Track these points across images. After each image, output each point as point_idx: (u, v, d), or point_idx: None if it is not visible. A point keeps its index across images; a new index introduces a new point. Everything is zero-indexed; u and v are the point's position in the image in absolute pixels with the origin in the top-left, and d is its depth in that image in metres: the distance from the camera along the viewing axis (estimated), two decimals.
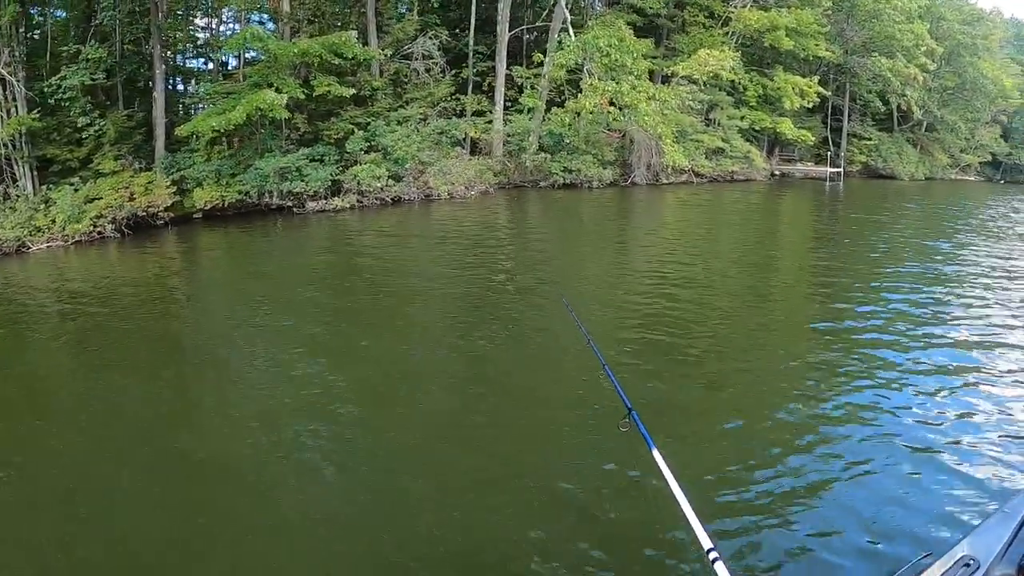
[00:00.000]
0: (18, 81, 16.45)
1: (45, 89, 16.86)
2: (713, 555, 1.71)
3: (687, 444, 5.40)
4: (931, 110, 41.64)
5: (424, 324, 9.04)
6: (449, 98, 24.24)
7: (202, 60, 26.21)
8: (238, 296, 10.92)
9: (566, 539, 4.25)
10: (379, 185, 20.24)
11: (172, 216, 17.57)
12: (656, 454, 2.30)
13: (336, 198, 19.96)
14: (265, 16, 25.02)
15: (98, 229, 15.81)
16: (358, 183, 20.13)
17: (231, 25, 28.02)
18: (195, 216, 18.46)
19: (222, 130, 18.64)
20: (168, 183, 17.97)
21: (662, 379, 6.84)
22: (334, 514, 4.59)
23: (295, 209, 19.47)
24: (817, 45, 32.52)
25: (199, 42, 25.76)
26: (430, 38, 23.89)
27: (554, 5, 25.02)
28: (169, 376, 7.25)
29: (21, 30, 17.38)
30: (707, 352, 7.74)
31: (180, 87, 25.45)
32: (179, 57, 25.45)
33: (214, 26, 26.53)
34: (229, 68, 25.14)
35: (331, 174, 19.96)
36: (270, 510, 4.65)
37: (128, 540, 4.37)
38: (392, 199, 20.67)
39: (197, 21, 26.37)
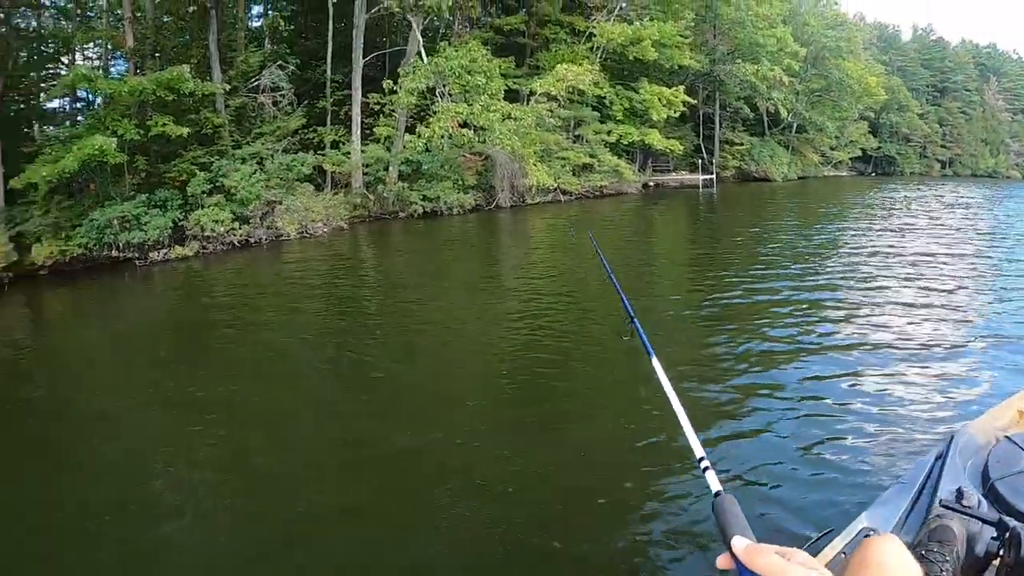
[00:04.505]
0: None
1: None
2: (704, 463, 1.64)
3: None
4: (800, 112, 43.51)
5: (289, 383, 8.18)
6: (305, 130, 23.49)
7: (68, 100, 24.69)
8: (80, 363, 9.71)
9: (567, 445, 4.78)
10: (222, 230, 19.28)
11: (12, 275, 16.22)
12: (655, 362, 2.15)
13: (179, 246, 18.91)
14: None
15: None
16: (201, 228, 19.15)
17: (95, 61, 26.64)
18: (41, 273, 17.09)
19: (55, 180, 17.46)
20: (5, 240, 16.63)
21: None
22: None
23: (137, 261, 18.34)
24: (682, 55, 33.35)
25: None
26: (278, 67, 23.10)
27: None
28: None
29: None
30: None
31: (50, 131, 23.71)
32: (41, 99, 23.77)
33: (80, 62, 25.13)
34: (96, 107, 23.61)
35: (173, 220, 18.87)
36: None
37: None
38: (240, 243, 19.71)
39: (63, 59, 24.85)
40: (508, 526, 4.21)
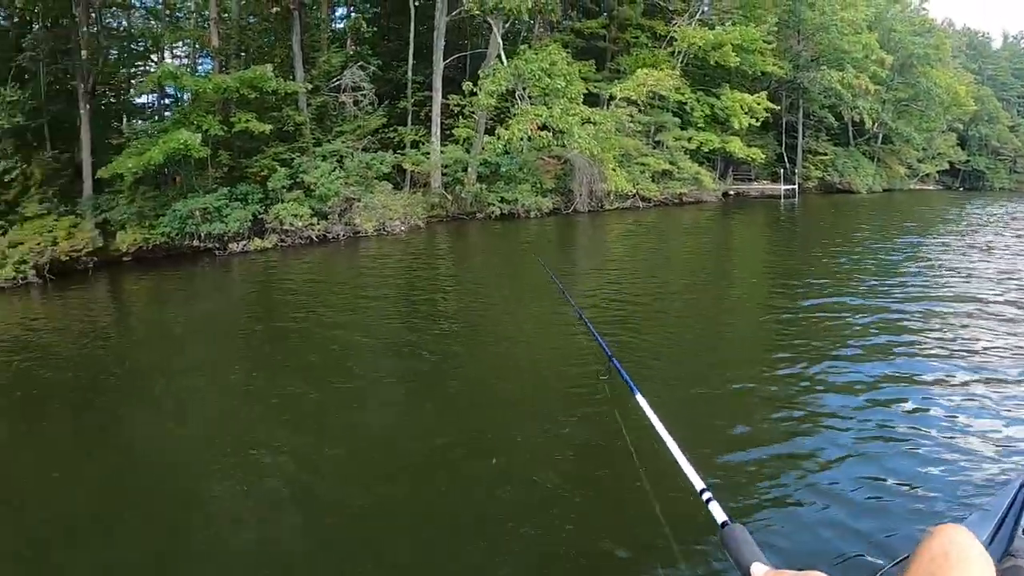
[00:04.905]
0: None
1: None
2: (706, 495, 1.70)
3: None
4: (885, 122, 41.60)
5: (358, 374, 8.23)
6: (385, 129, 23.51)
7: (156, 96, 25.48)
8: (159, 346, 9.91)
9: (560, 488, 4.38)
10: (301, 224, 19.36)
11: (97, 260, 16.60)
12: (640, 398, 2.29)
13: (258, 239, 19.05)
14: None
15: (21, 274, 14.69)
16: (280, 222, 19.27)
17: (183, 60, 27.43)
18: (124, 259, 17.51)
19: (141, 172, 17.82)
20: (92, 227, 17.10)
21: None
22: None
23: (217, 251, 18.56)
24: (764, 61, 32.26)
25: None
26: (359, 67, 23.16)
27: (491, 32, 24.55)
28: (104, 431, 6.53)
29: None
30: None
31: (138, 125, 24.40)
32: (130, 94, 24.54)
33: (168, 60, 25.90)
34: (182, 103, 24.20)
35: (253, 213, 19.07)
36: None
37: None
38: (318, 237, 19.76)
39: (152, 57, 25.62)
40: (550, 528, 4.12)
